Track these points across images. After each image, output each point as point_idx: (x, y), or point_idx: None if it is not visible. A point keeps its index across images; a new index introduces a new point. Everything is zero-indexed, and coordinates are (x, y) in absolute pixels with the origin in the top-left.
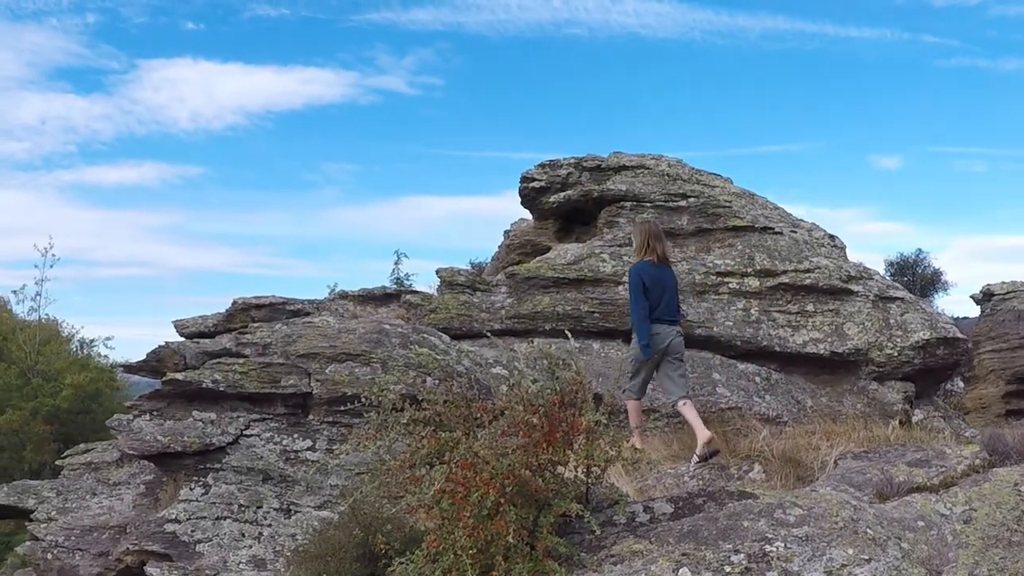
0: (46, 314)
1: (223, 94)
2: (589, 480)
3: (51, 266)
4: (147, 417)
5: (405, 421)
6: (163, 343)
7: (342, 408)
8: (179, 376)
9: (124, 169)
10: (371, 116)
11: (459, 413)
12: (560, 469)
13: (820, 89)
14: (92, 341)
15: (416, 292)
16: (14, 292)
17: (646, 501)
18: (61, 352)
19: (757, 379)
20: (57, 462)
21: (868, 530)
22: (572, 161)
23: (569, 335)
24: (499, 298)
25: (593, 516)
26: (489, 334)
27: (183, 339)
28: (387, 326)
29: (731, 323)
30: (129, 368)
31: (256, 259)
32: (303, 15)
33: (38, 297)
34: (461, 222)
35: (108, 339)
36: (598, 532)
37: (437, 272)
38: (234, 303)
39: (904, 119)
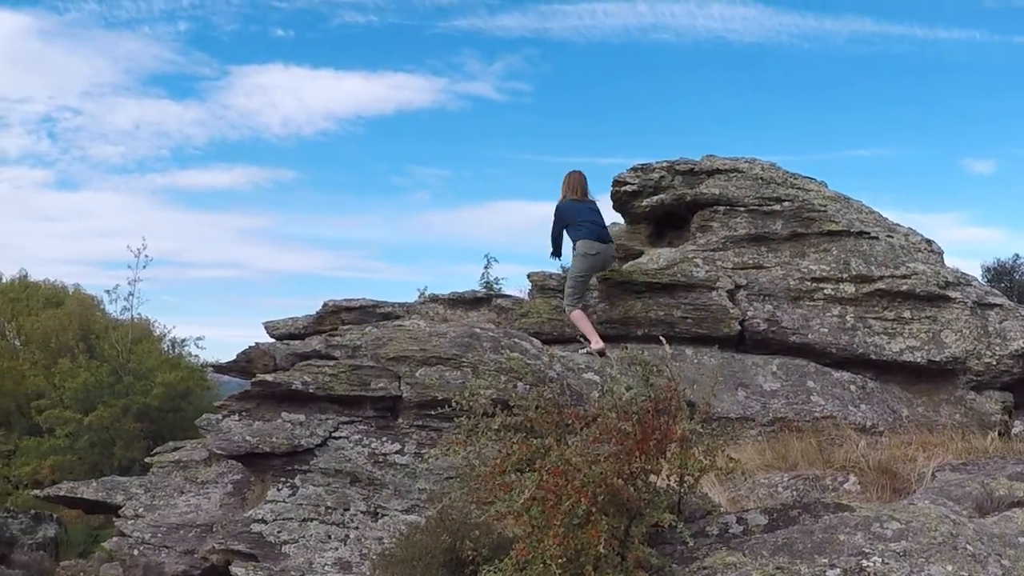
0: (139, 313)
1: (314, 99)
2: (682, 490)
3: (144, 267)
4: (236, 417)
5: (496, 427)
6: (253, 344)
7: (432, 412)
8: (268, 377)
9: (216, 173)
10: (460, 121)
11: (550, 419)
12: (652, 478)
13: (910, 92)
14: (183, 341)
15: (507, 296)
16: (107, 292)
17: (739, 512)
18: (153, 351)
19: (852, 387)
20: (146, 459)
21: (968, 546)
22: (664, 164)
23: (664, 341)
24: (591, 303)
25: (686, 527)
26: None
27: (273, 340)
28: (478, 330)
29: (826, 330)
30: (219, 368)
31: (347, 262)
32: (390, 22)
33: (131, 297)
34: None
35: (199, 339)
36: (690, 543)
37: (529, 276)
38: (325, 305)
39: (996, 123)
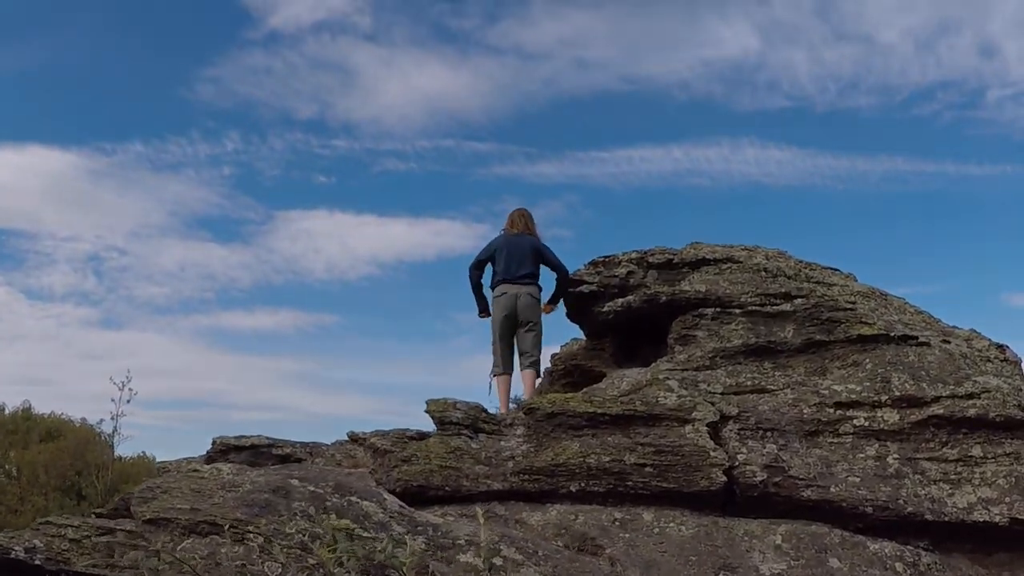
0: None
1: (357, 245)
2: None
3: (128, 401)
4: None
5: None
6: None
7: None
8: None
9: (260, 316)
10: None
11: None
12: None
13: (945, 229)
14: None
15: (387, 434)
16: (91, 425)
17: None
18: None
19: (898, 566)
20: None
21: None
22: (634, 256)
23: (479, 512)
24: (512, 443)
25: None
26: None
27: None
28: (295, 481)
29: (857, 479)
30: (100, 515)
31: (389, 406)
32: (431, 169)
33: (116, 434)
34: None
35: None
36: None
37: (427, 405)
38: (214, 443)
39: None
